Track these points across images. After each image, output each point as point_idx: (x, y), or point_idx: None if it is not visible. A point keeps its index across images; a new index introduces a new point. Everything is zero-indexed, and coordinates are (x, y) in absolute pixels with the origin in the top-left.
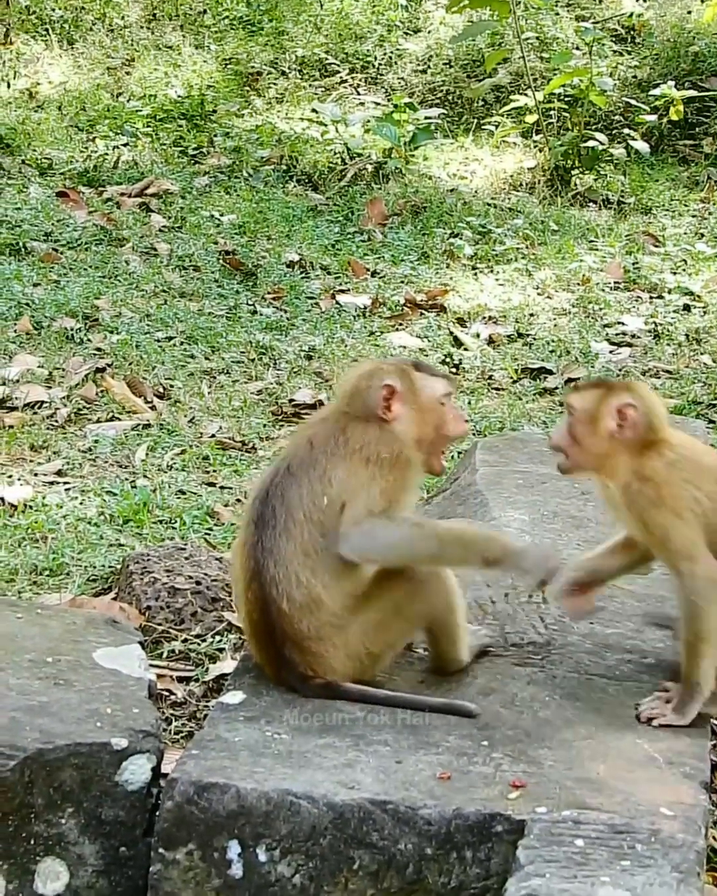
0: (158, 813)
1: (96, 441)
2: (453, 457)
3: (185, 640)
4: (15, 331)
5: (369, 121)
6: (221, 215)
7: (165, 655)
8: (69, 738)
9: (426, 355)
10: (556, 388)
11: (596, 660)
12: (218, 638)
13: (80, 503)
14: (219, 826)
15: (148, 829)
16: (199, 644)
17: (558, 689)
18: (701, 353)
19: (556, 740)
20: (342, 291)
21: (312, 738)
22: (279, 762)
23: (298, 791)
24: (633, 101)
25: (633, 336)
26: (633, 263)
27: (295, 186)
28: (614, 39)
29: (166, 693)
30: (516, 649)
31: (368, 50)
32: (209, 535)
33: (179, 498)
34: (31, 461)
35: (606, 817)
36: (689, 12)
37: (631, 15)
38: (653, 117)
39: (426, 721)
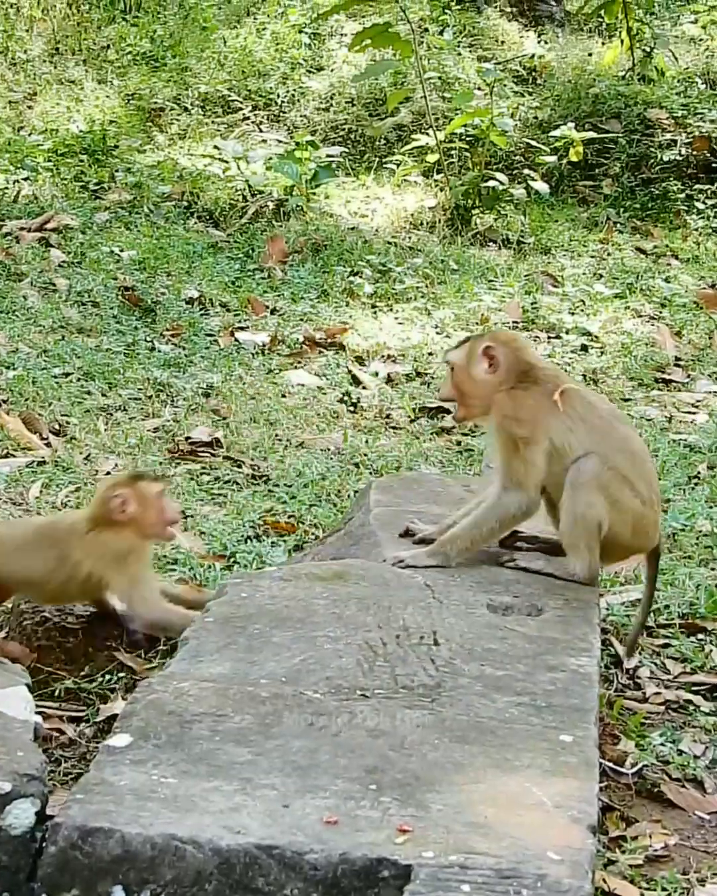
0: (41, 858)
1: None
2: (348, 496)
3: (75, 681)
4: None
5: (270, 158)
6: (121, 251)
7: (55, 695)
8: None
9: (324, 393)
10: (453, 427)
11: (486, 702)
12: (108, 678)
13: None
14: (103, 871)
15: (32, 873)
16: (89, 684)
17: (448, 732)
18: (598, 393)
19: (445, 784)
20: (241, 329)
21: (198, 782)
22: (165, 806)
23: (183, 836)
24: (533, 142)
25: None
26: (532, 303)
27: (196, 223)
28: (515, 80)
29: (56, 734)
30: (406, 692)
31: (270, 87)
32: None
33: None
34: None
35: (492, 862)
36: (590, 55)
37: (533, 56)
38: (553, 158)
39: (314, 763)
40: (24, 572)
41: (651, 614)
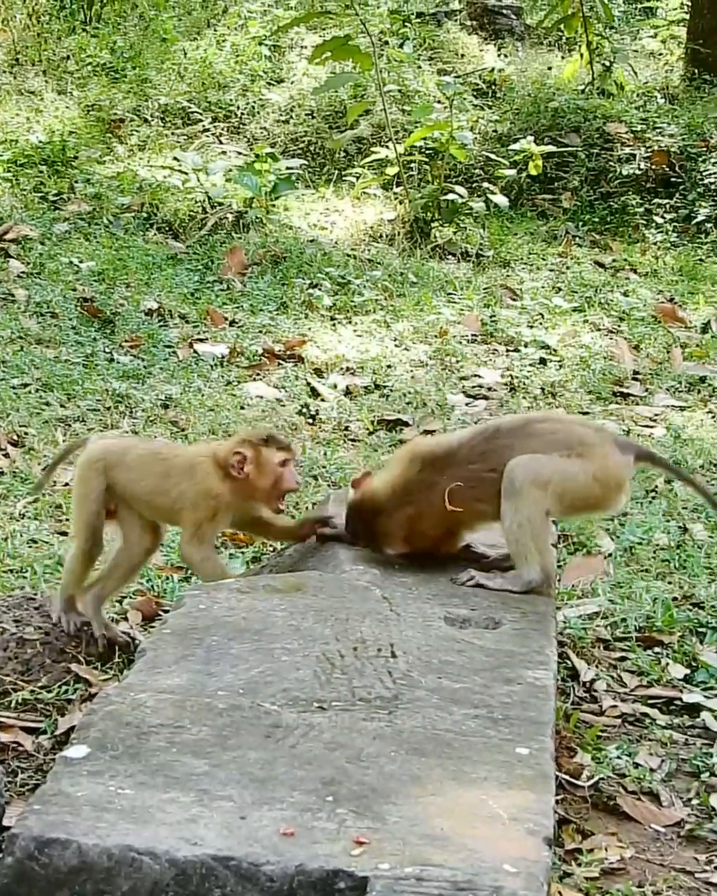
0: None
1: None
2: (307, 508)
3: (33, 692)
4: None
5: (230, 170)
6: (81, 262)
7: (12, 706)
8: None
9: (283, 406)
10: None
11: (443, 715)
12: (65, 688)
13: None
14: (60, 882)
15: None
16: (47, 695)
17: (405, 745)
18: (556, 407)
19: (401, 796)
20: (200, 340)
21: (156, 793)
22: (122, 817)
23: (140, 847)
24: (493, 155)
25: (489, 389)
26: (490, 316)
27: (155, 234)
28: (475, 94)
29: (14, 745)
30: (363, 704)
31: (230, 99)
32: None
33: (30, 547)
34: None
35: (448, 874)
36: (549, 68)
37: (492, 70)
38: (512, 171)
39: (271, 775)
40: (135, 488)
41: (611, 626)
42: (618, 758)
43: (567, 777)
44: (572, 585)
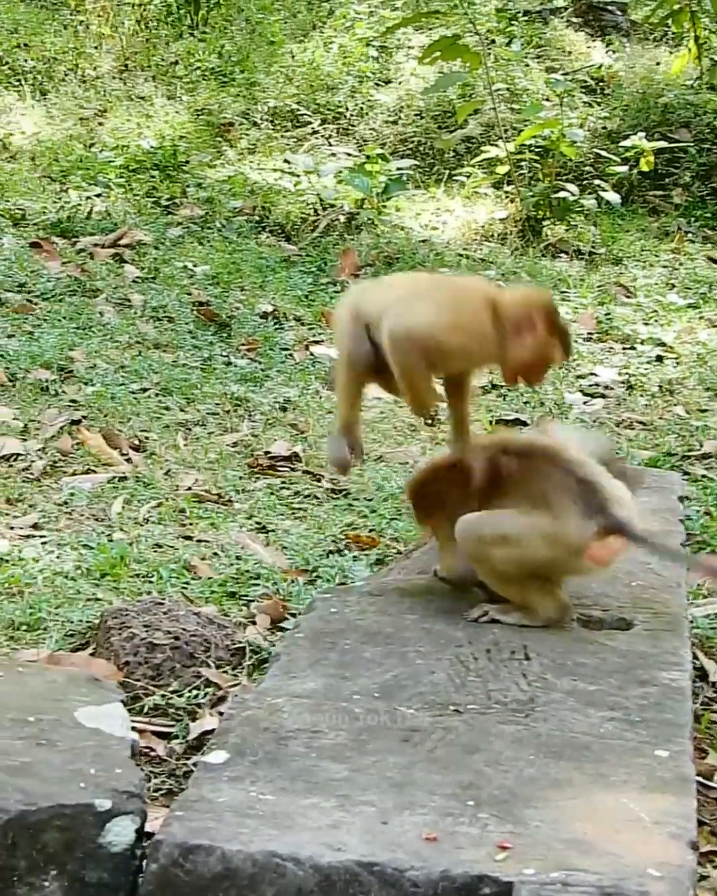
0: (142, 875)
1: (72, 494)
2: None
3: (163, 696)
4: None
5: (341, 171)
6: (195, 266)
7: (144, 711)
8: (52, 799)
9: (401, 407)
10: None
11: (580, 717)
12: (195, 693)
13: (57, 557)
14: (204, 888)
15: (132, 891)
16: (177, 700)
17: (543, 748)
18: (675, 405)
19: (542, 800)
20: (316, 342)
21: (296, 799)
22: (264, 823)
23: (283, 853)
24: (603, 152)
25: (606, 387)
26: (605, 314)
27: (268, 237)
28: (584, 91)
29: (146, 750)
30: (499, 707)
31: (339, 101)
32: (187, 588)
33: (155, 551)
34: (6, 514)
35: (594, 879)
36: (657, 64)
37: (600, 66)
38: (624, 168)
39: (411, 779)
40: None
41: None
42: None
43: (700, 779)
44: (698, 584)
